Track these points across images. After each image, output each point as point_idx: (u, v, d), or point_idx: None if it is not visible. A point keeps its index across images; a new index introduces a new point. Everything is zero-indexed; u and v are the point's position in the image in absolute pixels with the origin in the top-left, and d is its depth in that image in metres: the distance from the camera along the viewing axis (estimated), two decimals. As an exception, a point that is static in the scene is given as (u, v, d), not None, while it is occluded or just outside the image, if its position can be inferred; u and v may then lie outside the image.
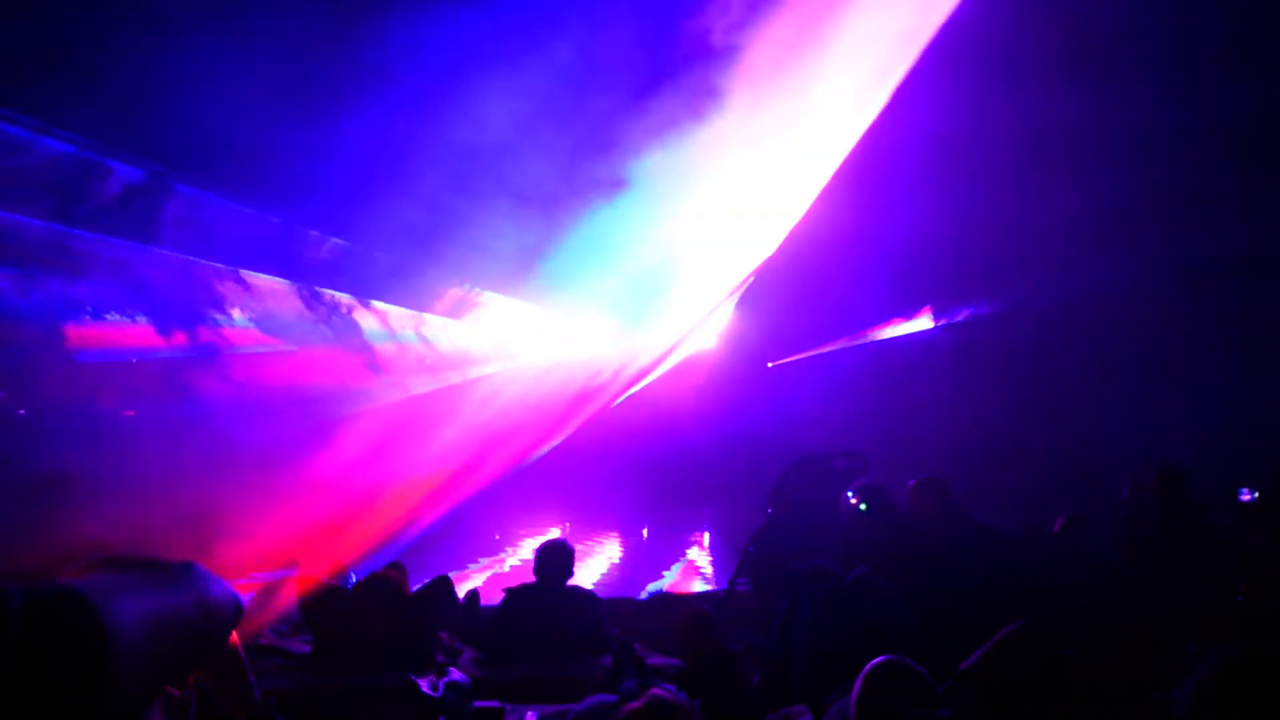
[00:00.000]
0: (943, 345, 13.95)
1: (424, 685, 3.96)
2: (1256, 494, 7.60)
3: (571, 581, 5.31)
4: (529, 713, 3.89)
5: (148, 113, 7.12)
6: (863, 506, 5.30)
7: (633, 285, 11.08)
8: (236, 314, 9.85)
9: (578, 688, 3.95)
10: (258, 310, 10.08)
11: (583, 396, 12.36)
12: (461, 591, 5.42)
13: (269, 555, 5.37)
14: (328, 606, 5.11)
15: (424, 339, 12.88)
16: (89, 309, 8.73)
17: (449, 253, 9.57)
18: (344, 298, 11.05)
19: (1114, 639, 3.49)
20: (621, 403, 13.58)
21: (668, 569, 11.61)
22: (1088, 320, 12.99)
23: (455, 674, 4.33)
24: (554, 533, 12.10)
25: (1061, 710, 2.32)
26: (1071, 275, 12.17)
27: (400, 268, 10.63)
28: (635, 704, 1.89)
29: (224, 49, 6.64)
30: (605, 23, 7.50)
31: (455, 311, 13.06)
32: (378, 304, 11.71)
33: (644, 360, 13.37)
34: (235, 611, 1.43)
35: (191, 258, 9.17)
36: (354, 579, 5.60)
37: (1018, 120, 9.45)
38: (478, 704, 3.90)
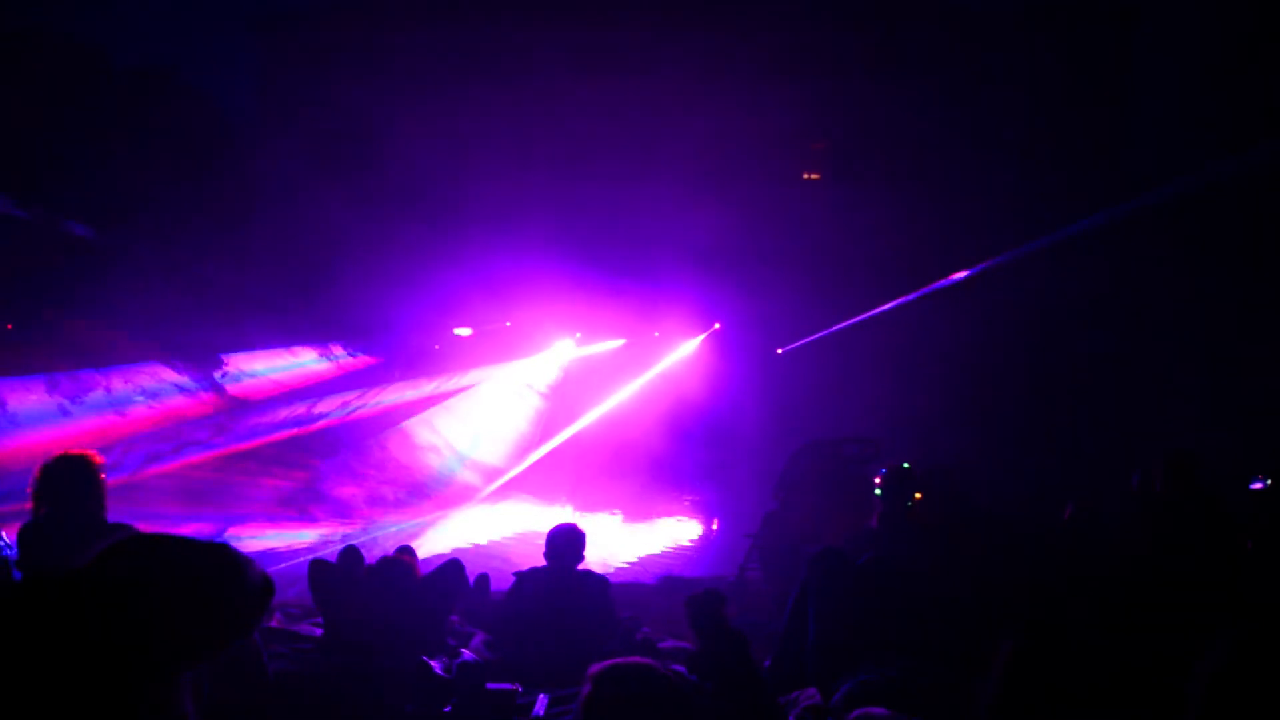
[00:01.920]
0: (954, 329, 13.88)
1: (436, 667, 3.99)
2: (1269, 482, 7.57)
3: (582, 565, 5.33)
4: (540, 695, 3.91)
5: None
6: (877, 492, 5.22)
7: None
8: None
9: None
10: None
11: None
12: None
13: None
14: (339, 589, 5.14)
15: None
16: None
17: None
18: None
19: (1126, 626, 3.49)
20: (630, 395, 13.67)
21: (677, 554, 11.63)
22: (1104, 306, 12.92)
23: (467, 655, 4.36)
24: (564, 515, 12.13)
25: (1078, 701, 2.32)
26: (1085, 260, 12.10)
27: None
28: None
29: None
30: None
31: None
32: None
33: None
34: (266, 592, 1.44)
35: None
36: (364, 559, 5.62)
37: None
38: (491, 686, 3.92)
